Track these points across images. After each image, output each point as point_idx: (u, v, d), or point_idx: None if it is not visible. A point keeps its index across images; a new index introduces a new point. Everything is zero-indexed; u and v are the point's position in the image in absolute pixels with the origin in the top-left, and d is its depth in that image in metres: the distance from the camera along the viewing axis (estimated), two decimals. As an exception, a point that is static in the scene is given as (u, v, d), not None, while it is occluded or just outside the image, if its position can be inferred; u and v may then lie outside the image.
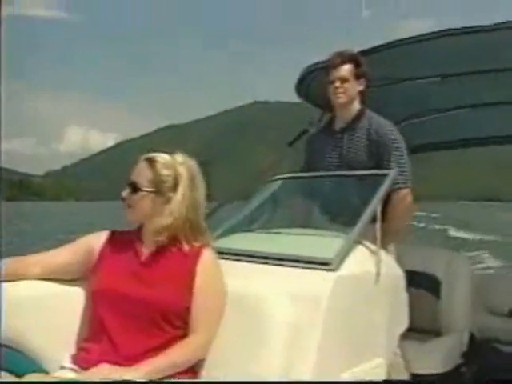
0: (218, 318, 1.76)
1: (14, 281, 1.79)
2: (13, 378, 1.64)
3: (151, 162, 1.83)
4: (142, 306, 1.72)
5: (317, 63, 3.06)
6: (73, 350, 1.79)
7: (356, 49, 2.86)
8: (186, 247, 1.82)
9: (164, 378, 1.64)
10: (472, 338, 3.17)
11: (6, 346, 1.69)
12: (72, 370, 1.69)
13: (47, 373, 1.70)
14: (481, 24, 2.64)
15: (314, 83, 3.19)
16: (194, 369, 1.73)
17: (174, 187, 1.81)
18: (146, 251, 1.84)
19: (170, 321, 1.73)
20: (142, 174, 1.82)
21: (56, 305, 1.83)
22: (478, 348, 3.16)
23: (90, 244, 1.90)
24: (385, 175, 2.33)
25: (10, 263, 1.82)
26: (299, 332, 1.63)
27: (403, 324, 2.29)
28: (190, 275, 1.77)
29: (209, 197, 1.91)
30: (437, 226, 33.65)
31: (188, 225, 1.82)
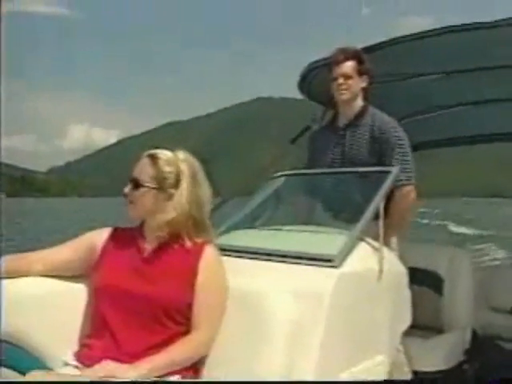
0: (220, 315, 1.76)
1: (16, 278, 1.79)
2: (16, 375, 1.65)
3: (153, 158, 1.83)
4: (144, 302, 1.72)
5: (319, 60, 3.06)
6: (76, 347, 1.79)
7: (357, 46, 2.86)
8: (188, 244, 1.82)
9: (166, 374, 1.64)
10: (474, 335, 3.17)
11: (8, 342, 1.69)
12: (75, 366, 1.69)
13: (50, 370, 1.70)
14: (481, 21, 2.64)
15: (316, 80, 3.18)
16: (196, 366, 1.73)
17: (176, 184, 1.81)
18: (148, 247, 1.84)
19: (172, 317, 1.73)
20: (144, 170, 1.82)
21: (58, 302, 1.83)
22: (480, 345, 3.16)
23: (92, 241, 1.90)
24: (388, 172, 2.32)
25: (11, 260, 1.82)
26: (302, 329, 1.63)
27: (406, 321, 2.29)
28: (193, 272, 1.77)
29: (212, 193, 1.90)
30: (439, 222, 33.71)
31: (191, 221, 1.82)
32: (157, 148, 1.88)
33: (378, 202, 2.14)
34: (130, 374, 1.56)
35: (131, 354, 1.66)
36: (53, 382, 1.51)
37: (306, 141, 3.12)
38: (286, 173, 2.81)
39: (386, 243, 2.29)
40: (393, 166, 2.47)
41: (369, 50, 2.87)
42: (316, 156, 2.88)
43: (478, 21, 2.70)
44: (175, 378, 1.67)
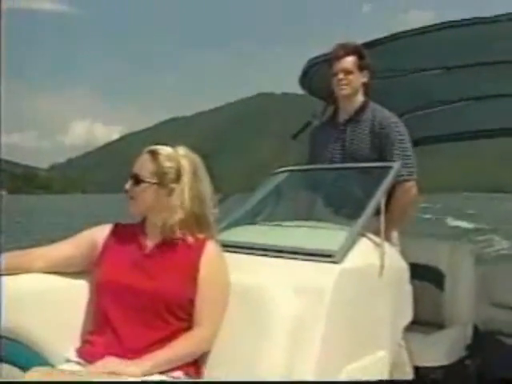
0: (222, 311, 1.76)
1: (17, 274, 1.79)
2: (16, 371, 1.65)
3: (154, 154, 1.83)
4: (145, 297, 1.72)
5: (319, 56, 3.06)
6: (77, 343, 1.80)
7: (357, 42, 2.86)
8: (190, 239, 1.82)
9: (168, 370, 1.65)
10: (476, 330, 3.17)
11: (9, 339, 1.70)
12: (77, 363, 1.69)
13: (52, 366, 1.70)
14: (482, 16, 2.63)
15: (317, 76, 3.18)
16: (197, 362, 1.73)
17: (177, 179, 1.81)
18: (149, 243, 1.84)
19: (174, 313, 1.73)
20: (144, 166, 1.83)
21: (60, 298, 1.83)
22: (481, 340, 3.16)
23: (94, 237, 1.90)
24: (389, 167, 2.32)
25: (12, 257, 1.82)
26: (303, 324, 1.63)
27: (407, 316, 2.29)
28: (194, 267, 1.77)
29: (213, 189, 1.90)
30: (441, 217, 33.76)
31: (193, 217, 1.82)
32: (158, 144, 1.88)
33: (379, 197, 2.13)
34: (133, 370, 1.57)
35: (133, 350, 1.66)
36: (53, 382, 1.50)
37: (307, 136, 3.12)
38: (287, 168, 2.81)
39: (387, 239, 2.29)
40: (394, 161, 2.47)
41: (370, 45, 2.87)
42: (317, 151, 2.88)
43: (478, 16, 2.70)
44: (177, 373, 1.67)
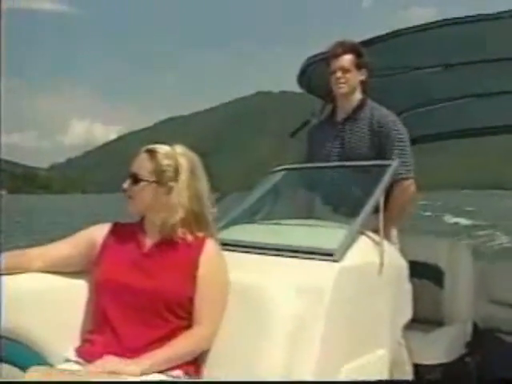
0: (221, 309, 1.76)
1: (16, 274, 1.79)
2: (16, 371, 1.65)
3: (151, 152, 1.83)
4: (144, 296, 1.72)
5: (318, 54, 3.06)
6: (77, 343, 1.79)
7: (358, 40, 2.86)
8: (189, 238, 1.82)
9: (168, 369, 1.65)
10: (475, 327, 3.17)
11: (8, 338, 1.70)
12: (76, 362, 1.69)
13: (52, 366, 1.70)
14: (483, 13, 2.63)
15: (315, 74, 3.18)
16: (197, 361, 1.73)
17: (175, 177, 1.81)
18: (148, 242, 1.84)
19: (174, 311, 1.73)
20: (142, 165, 1.83)
21: (59, 298, 1.83)
22: (481, 338, 3.16)
23: (93, 236, 1.90)
24: (387, 166, 2.32)
25: (11, 257, 1.82)
26: (302, 323, 1.63)
27: (407, 314, 2.29)
28: (194, 265, 1.77)
29: (211, 188, 1.90)
30: (442, 214, 33.85)
31: (192, 216, 1.82)
32: (156, 143, 1.88)
33: (378, 195, 2.13)
34: (132, 369, 1.57)
35: (133, 349, 1.66)
36: (53, 382, 1.50)
37: (305, 135, 3.12)
38: (286, 167, 2.81)
39: (387, 237, 2.29)
40: (392, 159, 2.47)
41: (369, 42, 2.87)
42: (315, 150, 2.88)
43: (480, 12, 2.69)
44: (177, 372, 1.67)
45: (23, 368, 1.60)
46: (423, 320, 2.81)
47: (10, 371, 1.66)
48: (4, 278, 1.74)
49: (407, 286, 2.31)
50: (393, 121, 2.64)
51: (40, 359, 1.72)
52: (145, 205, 1.83)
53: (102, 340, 1.71)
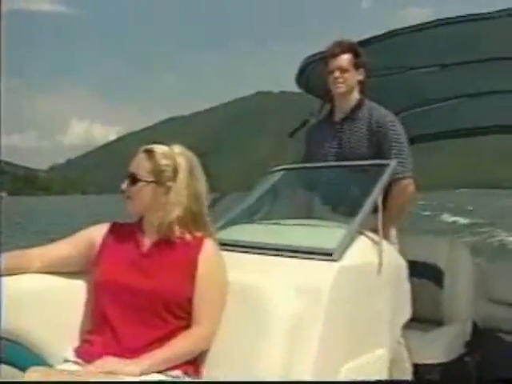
0: (220, 309, 1.76)
1: (15, 275, 1.79)
2: (16, 372, 1.65)
3: (150, 152, 1.83)
4: (143, 296, 1.72)
5: (316, 54, 3.06)
6: (76, 343, 1.80)
7: (356, 39, 2.86)
8: (187, 237, 1.82)
9: (167, 369, 1.65)
10: (475, 327, 3.17)
11: (7, 339, 1.69)
12: (75, 362, 1.69)
13: (51, 366, 1.70)
14: (480, 12, 2.63)
15: (313, 74, 3.18)
16: (196, 361, 1.73)
17: (174, 177, 1.81)
18: (147, 242, 1.84)
19: (173, 311, 1.73)
20: (140, 165, 1.83)
21: (58, 298, 1.83)
22: (480, 337, 3.16)
23: (92, 236, 1.90)
24: (386, 165, 2.32)
25: (11, 257, 1.82)
26: (301, 323, 1.63)
27: (406, 314, 2.29)
28: (192, 265, 1.77)
29: (209, 188, 1.90)
30: (441, 214, 33.95)
31: (190, 215, 1.82)
32: (154, 143, 1.88)
33: (377, 195, 2.14)
34: (131, 370, 1.57)
35: (132, 350, 1.66)
36: (52, 382, 1.50)
37: (304, 135, 3.12)
38: (284, 167, 2.81)
39: (385, 236, 2.29)
40: (390, 159, 2.47)
41: (366, 42, 2.87)
42: (313, 150, 2.88)
43: (477, 12, 2.69)
44: (176, 372, 1.67)
45: (23, 369, 1.60)
46: (423, 319, 2.81)
47: (9, 372, 1.66)
48: (4, 278, 1.74)
49: (406, 286, 2.31)
50: (391, 121, 2.64)
51: (39, 360, 1.72)
52: (143, 205, 1.83)
53: (101, 340, 1.71)
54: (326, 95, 2.94)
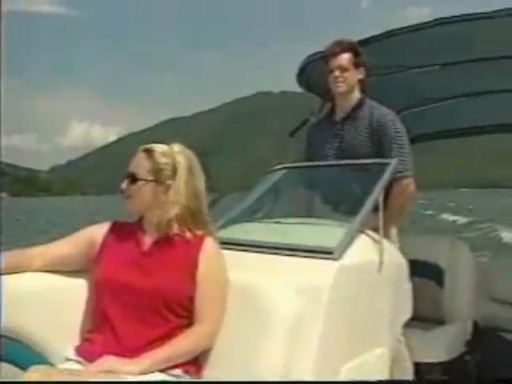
0: (221, 308, 1.76)
1: (16, 273, 1.79)
2: (16, 371, 1.65)
3: (149, 152, 1.83)
4: (144, 295, 1.72)
5: (317, 53, 3.06)
6: (77, 342, 1.79)
7: (356, 39, 2.86)
8: (188, 236, 1.82)
9: (168, 368, 1.65)
10: (476, 326, 3.17)
11: (8, 337, 1.69)
12: (76, 361, 1.69)
13: (52, 365, 1.70)
14: (479, 11, 2.64)
15: (314, 73, 3.18)
16: (197, 360, 1.73)
17: (173, 175, 1.81)
18: (147, 241, 1.84)
19: (173, 310, 1.73)
20: (140, 164, 1.83)
21: (59, 297, 1.83)
22: (481, 336, 3.16)
23: (92, 235, 1.90)
24: (387, 164, 2.32)
25: (11, 256, 1.82)
26: (301, 322, 1.63)
27: (406, 313, 2.30)
28: (193, 264, 1.77)
29: (208, 188, 1.90)
30: (441, 213, 34.01)
31: (189, 213, 1.82)
32: (154, 143, 1.89)
33: (378, 194, 2.14)
34: (131, 369, 1.57)
35: (132, 349, 1.66)
36: (54, 382, 1.50)
37: (304, 134, 3.12)
38: (285, 166, 2.81)
39: (386, 235, 2.29)
40: (391, 158, 2.47)
41: (365, 42, 2.88)
42: (314, 149, 2.88)
43: (476, 11, 2.70)
44: (177, 371, 1.67)
45: (23, 367, 1.60)
46: (423, 318, 2.81)
47: (9, 370, 1.66)
48: (4, 277, 1.74)
49: (407, 285, 2.32)
50: (392, 119, 2.64)
51: (40, 358, 1.72)
52: (143, 204, 1.83)
53: (102, 339, 1.71)
54: (327, 94, 2.95)
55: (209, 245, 1.82)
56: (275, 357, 1.56)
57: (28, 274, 1.81)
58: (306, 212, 2.72)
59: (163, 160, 1.81)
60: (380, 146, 2.62)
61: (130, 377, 1.55)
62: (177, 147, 1.86)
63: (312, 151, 2.90)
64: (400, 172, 2.50)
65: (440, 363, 2.65)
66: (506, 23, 2.58)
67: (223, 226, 2.38)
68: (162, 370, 1.64)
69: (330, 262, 1.80)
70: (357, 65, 2.71)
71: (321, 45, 2.97)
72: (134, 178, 1.82)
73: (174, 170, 1.81)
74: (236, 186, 3.14)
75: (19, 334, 1.72)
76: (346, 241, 1.91)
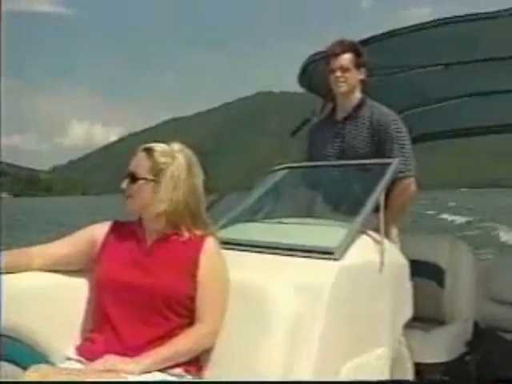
0: (222, 307, 1.76)
1: (17, 272, 1.79)
2: (17, 370, 1.65)
3: (149, 151, 1.83)
4: (144, 294, 1.72)
5: (318, 53, 3.06)
6: (78, 341, 1.80)
7: (357, 39, 2.86)
8: (187, 235, 1.82)
9: (169, 367, 1.65)
10: (476, 326, 3.17)
11: (9, 337, 1.70)
12: (77, 361, 1.69)
13: (53, 364, 1.70)
14: (481, 11, 2.64)
15: (315, 73, 3.18)
16: (198, 359, 1.73)
17: (171, 173, 1.80)
18: (148, 240, 1.84)
19: (174, 309, 1.73)
20: (140, 163, 1.83)
21: (59, 296, 1.83)
22: (482, 337, 3.15)
23: (93, 234, 1.90)
24: (388, 164, 2.32)
25: (11, 255, 1.82)
26: (302, 322, 1.63)
27: (407, 313, 2.29)
28: (194, 263, 1.77)
29: (207, 188, 1.90)
30: (444, 212, 34.07)
31: (188, 212, 1.82)
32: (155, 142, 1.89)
33: (379, 194, 2.13)
34: (132, 368, 1.57)
35: (133, 348, 1.66)
36: (54, 381, 1.50)
37: (306, 134, 3.12)
38: (286, 166, 2.81)
39: (387, 235, 2.29)
40: (393, 158, 2.47)
41: (366, 42, 2.88)
42: (315, 149, 2.88)
43: (478, 11, 2.70)
44: (178, 371, 1.67)
45: (24, 367, 1.60)
46: (424, 319, 2.81)
47: (10, 370, 1.66)
48: (4, 276, 1.74)
49: (408, 285, 2.31)
50: (393, 119, 2.64)
51: (41, 358, 1.72)
52: (144, 203, 1.83)
53: (103, 338, 1.72)
54: (328, 94, 2.95)
55: (210, 245, 1.82)
56: (275, 356, 1.56)
57: (28, 274, 1.81)
58: (307, 212, 2.72)
59: (163, 159, 1.81)
60: (381, 145, 2.62)
61: (131, 376, 1.55)
62: (176, 146, 1.86)
63: (313, 151, 2.90)
64: (401, 172, 2.50)
65: (440, 363, 2.65)
66: (510, 23, 2.58)
67: (224, 226, 2.38)
68: (162, 370, 1.63)
69: (331, 262, 1.80)
70: (358, 65, 2.70)
71: (321, 44, 2.97)
72: (134, 178, 1.82)
73: (173, 169, 1.80)
74: (236, 186, 3.14)
75: (19, 334, 1.72)
76: (347, 241, 1.91)
